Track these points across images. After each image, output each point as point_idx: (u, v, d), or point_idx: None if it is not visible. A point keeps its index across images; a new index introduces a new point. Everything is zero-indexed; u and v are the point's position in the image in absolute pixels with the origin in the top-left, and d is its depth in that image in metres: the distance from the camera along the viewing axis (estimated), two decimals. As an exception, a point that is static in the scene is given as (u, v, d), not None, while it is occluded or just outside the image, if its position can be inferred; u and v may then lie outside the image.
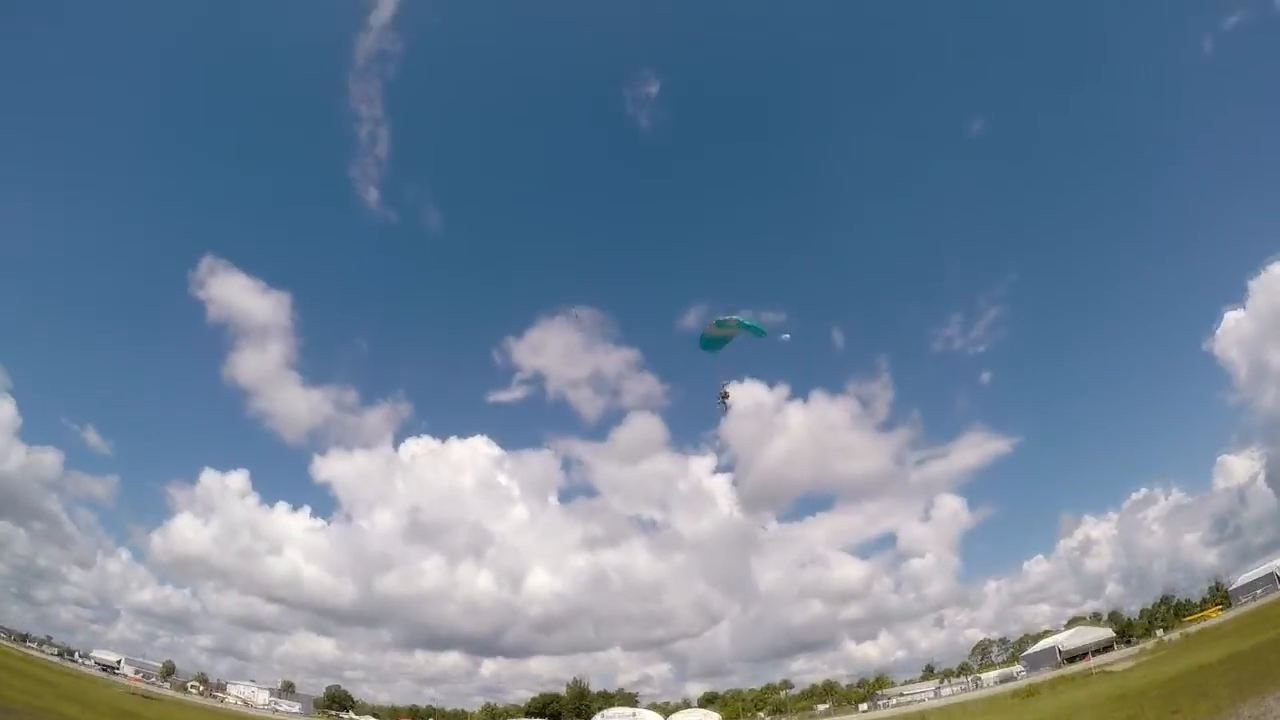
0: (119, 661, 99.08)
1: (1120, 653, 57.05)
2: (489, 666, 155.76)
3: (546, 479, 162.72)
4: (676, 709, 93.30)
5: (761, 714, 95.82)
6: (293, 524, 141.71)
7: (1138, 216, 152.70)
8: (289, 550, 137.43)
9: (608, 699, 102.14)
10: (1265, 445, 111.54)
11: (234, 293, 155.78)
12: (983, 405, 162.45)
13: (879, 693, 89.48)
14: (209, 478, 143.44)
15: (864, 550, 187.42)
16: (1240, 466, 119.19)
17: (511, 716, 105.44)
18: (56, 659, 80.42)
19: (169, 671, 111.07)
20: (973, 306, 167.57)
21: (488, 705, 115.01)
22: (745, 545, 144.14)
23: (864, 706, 79.89)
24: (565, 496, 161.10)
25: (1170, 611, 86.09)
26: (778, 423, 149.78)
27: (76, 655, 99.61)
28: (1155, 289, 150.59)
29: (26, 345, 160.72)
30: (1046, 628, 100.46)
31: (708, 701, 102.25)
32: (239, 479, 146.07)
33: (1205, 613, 70.74)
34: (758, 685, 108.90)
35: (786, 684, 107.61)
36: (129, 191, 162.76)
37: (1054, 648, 74.57)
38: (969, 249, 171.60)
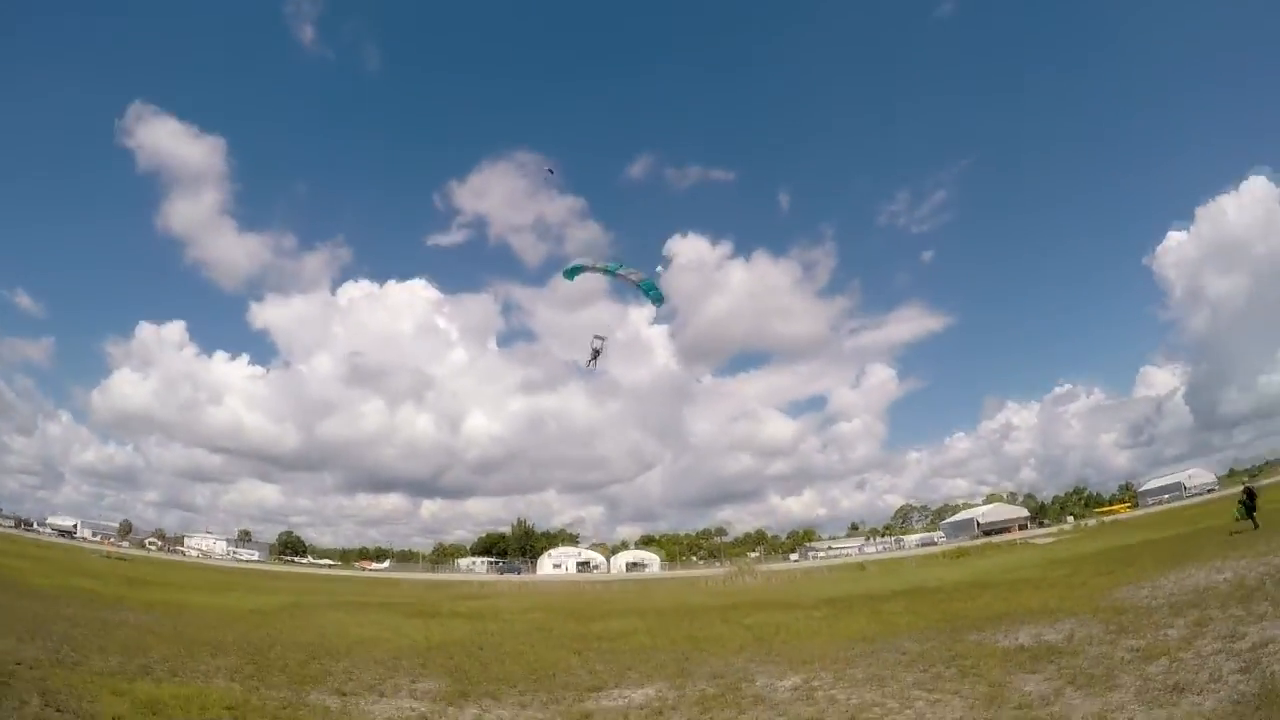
0: (75, 525, 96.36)
1: (1038, 531, 63.26)
2: (429, 507, 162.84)
3: (486, 323, 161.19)
4: (615, 550, 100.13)
5: (695, 558, 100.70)
6: (232, 373, 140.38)
7: (1101, 125, 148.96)
8: (230, 399, 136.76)
9: (551, 539, 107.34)
10: (1189, 364, 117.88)
11: (164, 139, 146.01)
12: (921, 283, 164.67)
13: (807, 545, 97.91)
14: (145, 331, 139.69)
15: (794, 410, 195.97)
16: (1162, 379, 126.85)
17: (459, 556, 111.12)
18: (15, 530, 79.63)
19: (126, 531, 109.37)
20: (922, 186, 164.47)
21: (439, 545, 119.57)
22: (679, 396, 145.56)
23: (794, 556, 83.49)
24: (504, 341, 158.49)
25: (1082, 502, 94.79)
26: (718, 279, 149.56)
27: (35, 524, 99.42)
28: (1105, 198, 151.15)
29: None
30: (963, 501, 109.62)
31: (645, 543, 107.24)
32: (176, 330, 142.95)
33: (1115, 508, 77.07)
34: (686, 531, 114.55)
35: (721, 530, 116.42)
36: (47, 35, 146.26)
37: (973, 520, 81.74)
38: (925, 130, 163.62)
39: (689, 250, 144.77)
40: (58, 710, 6.36)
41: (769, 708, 6.50)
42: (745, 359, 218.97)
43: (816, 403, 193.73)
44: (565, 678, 8.76)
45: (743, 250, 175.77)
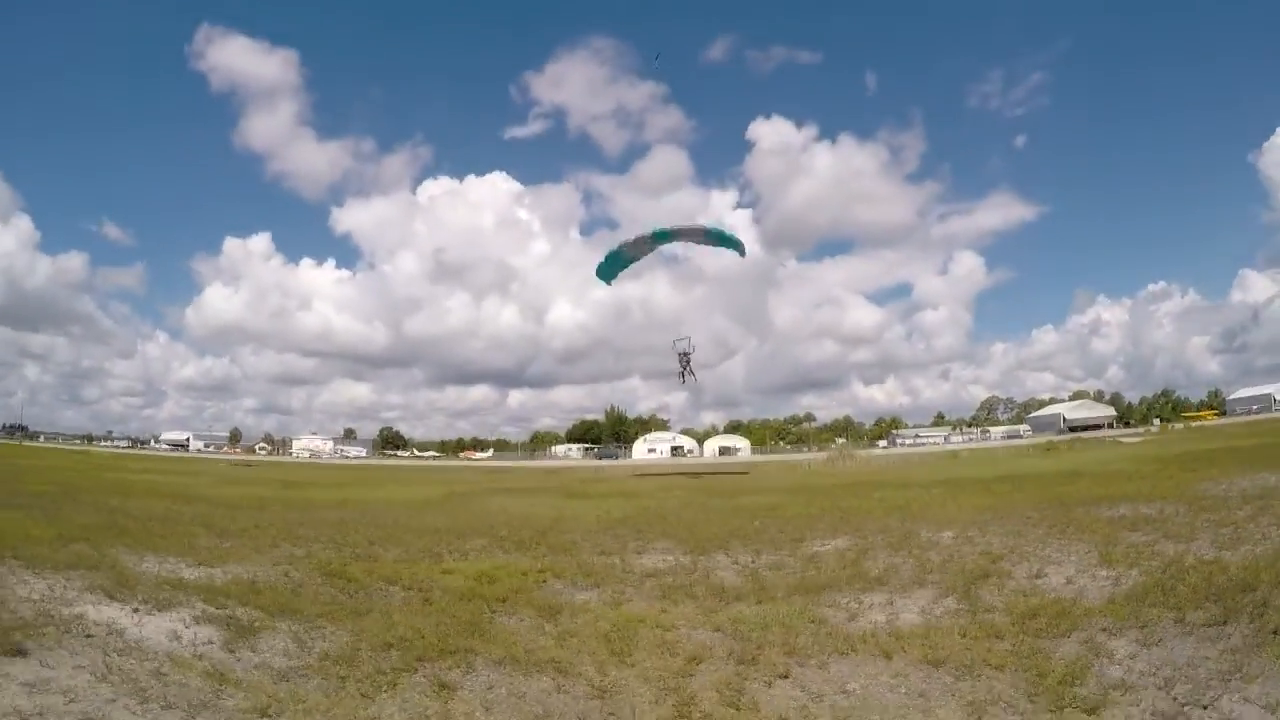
0: (187, 439, 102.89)
1: (1124, 431, 63.34)
2: (515, 397, 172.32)
3: (568, 213, 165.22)
4: (705, 436, 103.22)
5: (783, 444, 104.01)
6: (319, 278, 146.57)
7: (1211, 8, 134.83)
8: (318, 304, 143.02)
9: (644, 425, 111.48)
10: None
11: (236, 58, 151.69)
12: (1014, 169, 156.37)
13: (894, 433, 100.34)
14: (232, 246, 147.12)
15: (879, 297, 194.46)
16: (1260, 285, 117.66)
17: (552, 443, 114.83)
18: (132, 449, 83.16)
19: (236, 438, 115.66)
20: (1017, 68, 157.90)
21: (535, 433, 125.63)
22: (763, 282, 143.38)
23: (882, 444, 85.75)
24: (587, 230, 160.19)
25: (1169, 406, 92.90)
26: (803, 164, 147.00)
27: (151, 441, 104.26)
28: (1211, 88, 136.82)
29: (32, 158, 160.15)
30: (1048, 396, 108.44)
31: (733, 429, 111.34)
32: (262, 242, 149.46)
33: (1201, 414, 75.71)
34: (769, 417, 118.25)
35: (810, 417, 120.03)
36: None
37: (1059, 416, 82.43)
38: (1022, 6, 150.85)
39: (772, 134, 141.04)
40: (420, 591, 7.45)
41: (941, 550, 8.61)
42: (830, 245, 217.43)
43: (901, 290, 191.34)
44: (765, 536, 10.60)
45: (828, 134, 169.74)
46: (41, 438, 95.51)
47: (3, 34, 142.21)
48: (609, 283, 28.55)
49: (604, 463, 71.37)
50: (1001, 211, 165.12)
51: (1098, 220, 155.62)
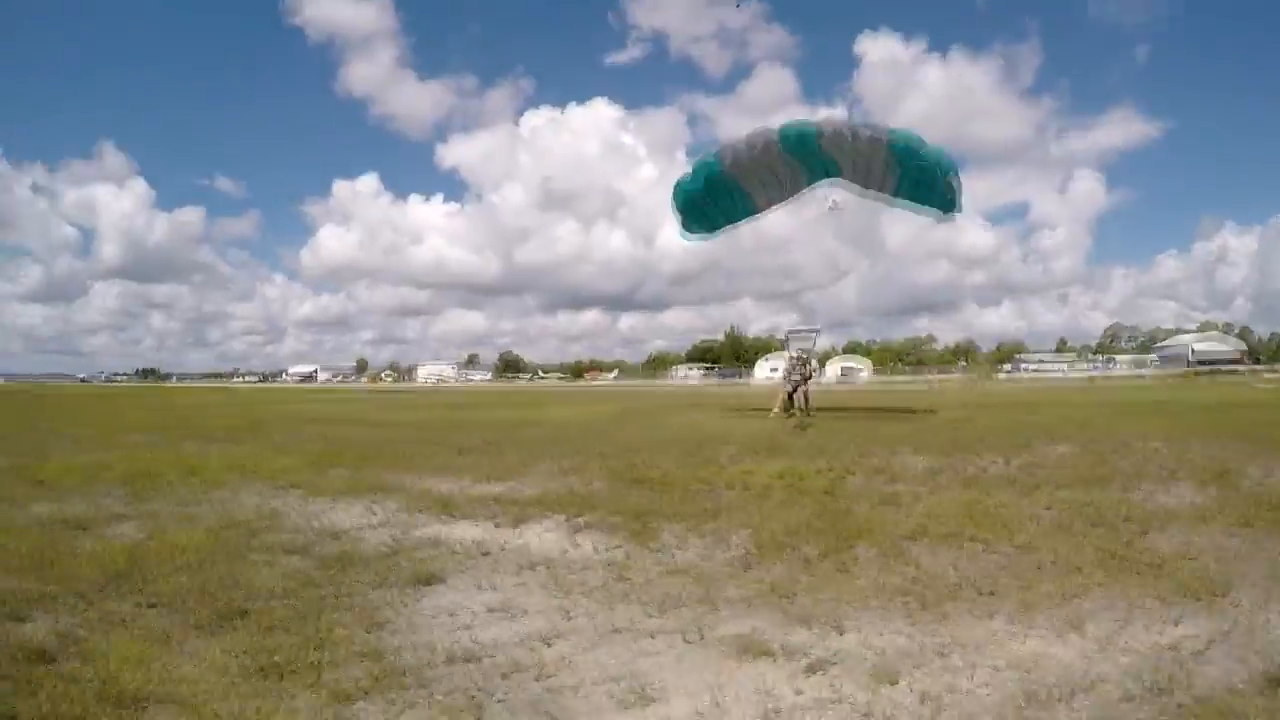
0: (314, 370, 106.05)
1: (1261, 368, 59.28)
2: (626, 321, 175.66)
3: (673, 136, 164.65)
4: (825, 357, 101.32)
5: (903, 365, 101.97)
6: (428, 213, 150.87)
7: None
8: (429, 238, 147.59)
9: (763, 346, 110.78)
10: None
11: (331, 9, 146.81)
12: (1137, 83, 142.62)
13: (1018, 358, 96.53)
14: (341, 188, 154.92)
15: (995, 217, 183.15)
16: None
17: (671, 365, 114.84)
18: (263, 383, 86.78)
19: (363, 367, 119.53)
20: None
21: (657, 354, 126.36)
22: (875, 202, 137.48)
23: (1007, 368, 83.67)
24: (693, 152, 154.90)
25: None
26: (913, 79, 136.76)
27: (282, 375, 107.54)
28: None
29: (143, 125, 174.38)
30: (1169, 326, 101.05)
31: (850, 350, 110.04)
32: (369, 182, 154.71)
33: None
34: (882, 339, 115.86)
35: (931, 339, 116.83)
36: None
37: (1187, 348, 77.38)
38: None
39: (879, 49, 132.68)
40: (744, 489, 8.09)
41: (1161, 457, 9.48)
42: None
43: (1018, 211, 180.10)
44: (989, 444, 11.35)
45: (938, 47, 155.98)
46: (174, 379, 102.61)
47: (105, 7, 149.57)
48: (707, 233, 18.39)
49: (725, 381, 72.34)
50: (1123, 128, 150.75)
51: (1227, 139, 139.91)
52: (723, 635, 4.11)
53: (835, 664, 3.70)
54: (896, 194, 15.93)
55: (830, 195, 16.39)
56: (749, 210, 17.90)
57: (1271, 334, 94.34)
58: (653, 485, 8.59)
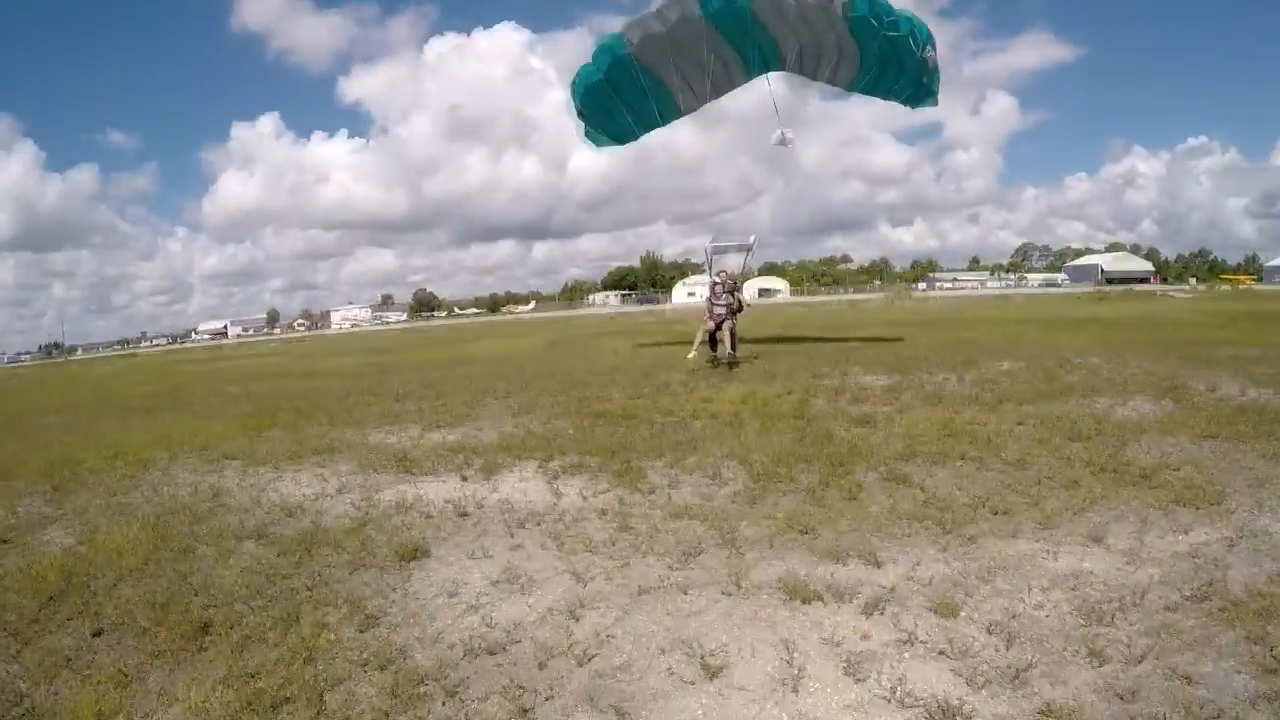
0: (225, 326, 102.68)
1: (1168, 286, 64.10)
2: (540, 249, 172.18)
3: (583, 59, 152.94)
4: (744, 278, 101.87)
5: (819, 285, 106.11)
6: (333, 151, 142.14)
7: None
8: (336, 175, 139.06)
9: (679, 270, 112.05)
10: None
11: None
12: (1052, 6, 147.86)
13: (932, 275, 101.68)
14: (240, 130, 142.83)
15: (908, 136, 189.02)
16: None
17: (588, 293, 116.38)
18: (174, 345, 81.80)
19: (274, 318, 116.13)
20: None
21: (575, 284, 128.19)
22: (788, 121, 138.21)
23: (921, 286, 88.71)
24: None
25: (1205, 265, 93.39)
26: None
27: (191, 335, 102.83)
28: None
29: (28, 82, 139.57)
30: (1078, 245, 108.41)
31: (767, 272, 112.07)
32: (270, 122, 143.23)
33: (1239, 277, 76.36)
34: (798, 260, 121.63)
35: (845, 258, 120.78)
36: None
37: (1097, 266, 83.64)
38: None
39: None
40: (714, 418, 8.09)
41: (1103, 372, 10.05)
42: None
43: (931, 130, 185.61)
44: (938, 361, 11.95)
45: None
46: (79, 351, 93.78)
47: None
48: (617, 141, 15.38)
49: (644, 308, 73.26)
50: (1037, 51, 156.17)
51: (1138, 66, 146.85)
52: (759, 581, 3.89)
53: (890, 601, 3.57)
54: (856, 84, 13.35)
55: (781, 129, 13.51)
56: (668, 111, 14.43)
57: (1178, 255, 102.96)
58: (615, 420, 8.46)
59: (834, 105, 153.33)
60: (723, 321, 12.76)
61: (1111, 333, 16.76)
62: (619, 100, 13.77)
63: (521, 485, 6.10)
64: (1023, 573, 3.83)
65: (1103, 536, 4.31)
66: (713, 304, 13.04)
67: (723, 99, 14.71)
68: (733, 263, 14.85)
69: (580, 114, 14.27)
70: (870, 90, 13.36)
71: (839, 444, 6.63)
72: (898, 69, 12.36)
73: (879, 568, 3.98)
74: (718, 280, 13.34)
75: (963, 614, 3.45)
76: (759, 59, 13.20)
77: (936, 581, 3.77)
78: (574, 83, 13.79)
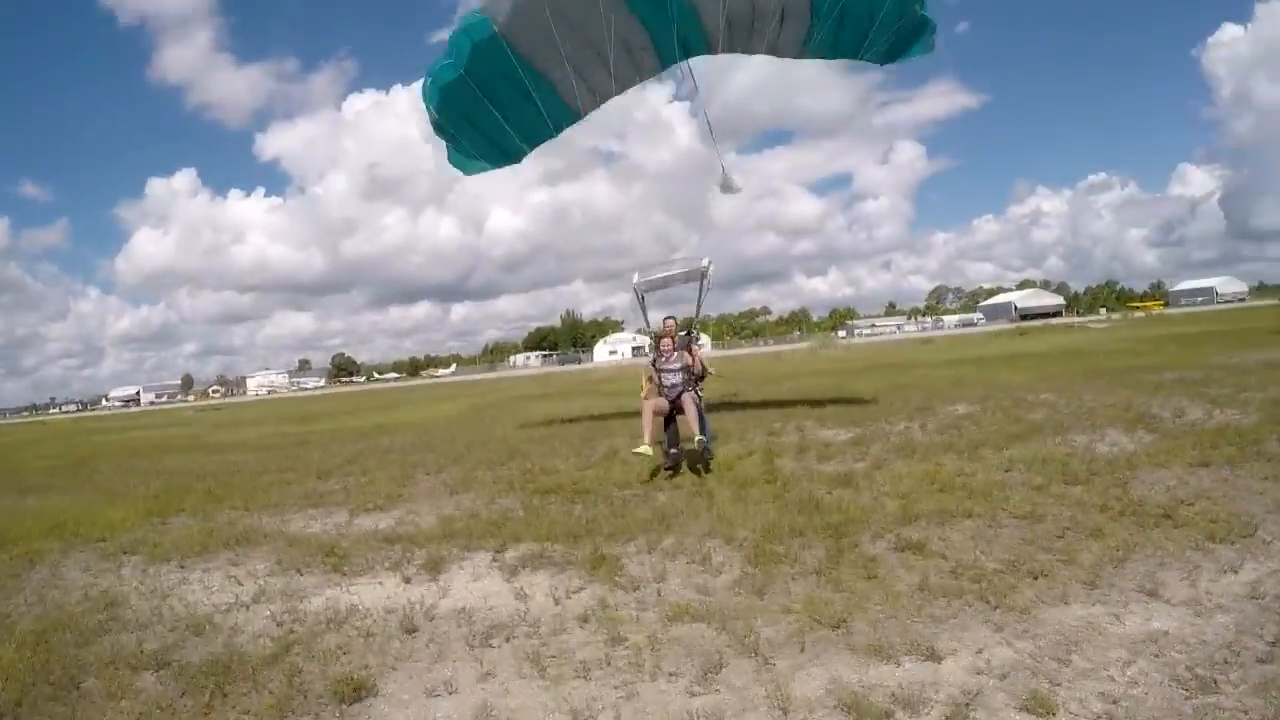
0: (137, 392, 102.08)
1: (1081, 319, 68.60)
2: (458, 311, 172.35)
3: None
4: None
5: (739, 338, 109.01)
6: (249, 209, 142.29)
7: None
8: (251, 236, 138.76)
9: (599, 328, 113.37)
10: (1228, 168, 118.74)
11: None
12: (956, 55, 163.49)
13: (849, 323, 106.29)
14: (156, 187, 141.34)
15: (820, 188, 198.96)
16: (1198, 180, 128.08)
17: (509, 354, 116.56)
18: (83, 411, 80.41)
19: (188, 385, 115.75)
20: None
21: (493, 344, 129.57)
22: (702, 176, 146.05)
23: (841, 333, 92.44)
24: None
25: (1113, 295, 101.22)
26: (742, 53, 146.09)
27: (102, 401, 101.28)
28: None
29: None
30: (989, 285, 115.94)
31: (688, 324, 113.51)
32: (187, 178, 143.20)
33: (1147, 304, 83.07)
34: (718, 313, 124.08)
35: (765, 310, 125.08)
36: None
37: (1010, 304, 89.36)
38: None
39: None
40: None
41: (1060, 408, 10.30)
42: (769, 136, 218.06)
43: (842, 180, 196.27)
44: (896, 406, 12.18)
45: None
46: None
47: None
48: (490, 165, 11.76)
49: (566, 368, 73.30)
50: (943, 100, 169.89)
51: (1039, 109, 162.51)
52: (807, 699, 3.26)
53: (974, 707, 3.04)
54: (809, 44, 10.38)
55: (730, 176, 11.34)
56: (559, 114, 10.94)
57: (1086, 288, 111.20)
58: (568, 495, 7.75)
59: (747, 160, 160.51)
60: (679, 394, 8.68)
61: (1047, 367, 17.38)
62: (489, 103, 10.29)
63: (477, 586, 5.22)
64: (1096, 645, 3.46)
65: (1156, 589, 4.03)
66: (659, 370, 8.96)
67: (629, 94, 11.54)
68: (678, 311, 10.72)
69: (439, 128, 10.79)
70: (831, 49, 10.48)
71: (829, 510, 6.14)
72: (866, 19, 9.55)
73: (939, 662, 3.43)
74: (661, 334, 9.26)
75: (1060, 708, 2.99)
76: (674, 36, 10.21)
77: (1011, 671, 3.26)
78: (426, 86, 10.30)
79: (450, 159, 11.42)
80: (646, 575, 5.16)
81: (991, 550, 4.92)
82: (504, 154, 11.36)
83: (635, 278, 10.34)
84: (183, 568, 6.34)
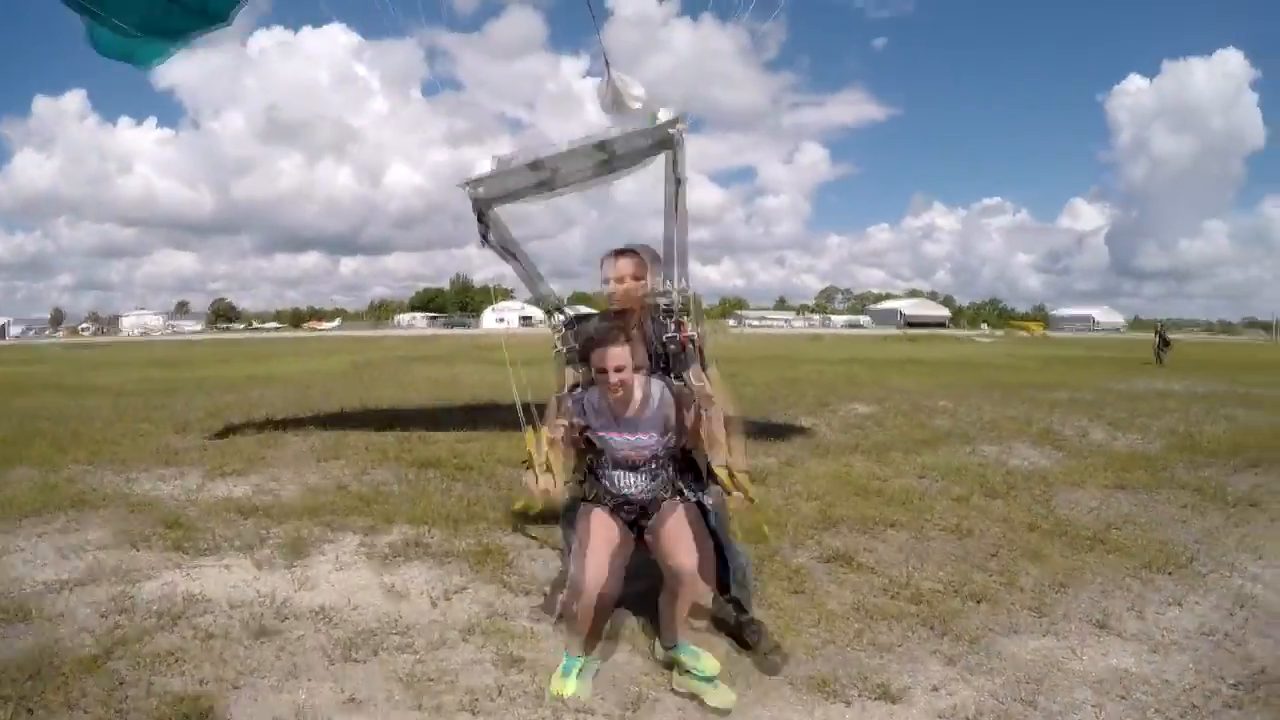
0: (4, 324, 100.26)
1: (970, 331, 73.79)
2: (348, 264, 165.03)
3: (409, 71, 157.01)
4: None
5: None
6: (140, 139, 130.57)
7: None
8: (139, 167, 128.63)
9: (488, 294, 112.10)
10: (1117, 208, 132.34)
11: None
12: (870, 69, 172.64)
13: (739, 313, 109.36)
14: (42, 106, 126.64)
15: (723, 179, 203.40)
16: (1088, 215, 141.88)
17: (395, 313, 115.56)
18: None
19: (59, 319, 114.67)
20: None
21: (381, 302, 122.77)
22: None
23: (731, 323, 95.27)
24: (429, 90, 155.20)
25: (996, 313, 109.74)
26: (662, 37, 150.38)
27: None
28: (1075, 23, 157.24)
29: None
30: (878, 290, 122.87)
31: (581, 300, 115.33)
32: (75, 100, 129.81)
33: (1028, 325, 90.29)
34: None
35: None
36: None
37: (898, 310, 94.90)
38: None
39: (632, 3, 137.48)
40: None
41: (961, 416, 10.63)
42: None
43: (745, 174, 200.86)
44: (790, 401, 12.43)
45: (690, 9, 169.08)
46: None
47: None
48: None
49: (452, 331, 72.88)
50: (853, 108, 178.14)
51: (944, 130, 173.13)
52: None
53: None
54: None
55: (628, 85, 9.35)
56: None
57: (970, 302, 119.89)
58: (449, 471, 7.27)
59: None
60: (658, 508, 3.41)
61: (939, 375, 18.19)
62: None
63: (340, 578, 4.45)
64: (1060, 685, 3.22)
65: (1105, 620, 3.89)
66: (597, 433, 3.49)
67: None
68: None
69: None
70: None
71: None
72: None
73: (894, 703, 3.03)
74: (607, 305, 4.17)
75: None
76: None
77: (977, 716, 3.07)
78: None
79: (91, 36, 6.76)
80: (540, 576, 4.60)
81: (924, 567, 4.70)
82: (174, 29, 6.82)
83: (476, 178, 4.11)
84: (13, 531, 5.38)
